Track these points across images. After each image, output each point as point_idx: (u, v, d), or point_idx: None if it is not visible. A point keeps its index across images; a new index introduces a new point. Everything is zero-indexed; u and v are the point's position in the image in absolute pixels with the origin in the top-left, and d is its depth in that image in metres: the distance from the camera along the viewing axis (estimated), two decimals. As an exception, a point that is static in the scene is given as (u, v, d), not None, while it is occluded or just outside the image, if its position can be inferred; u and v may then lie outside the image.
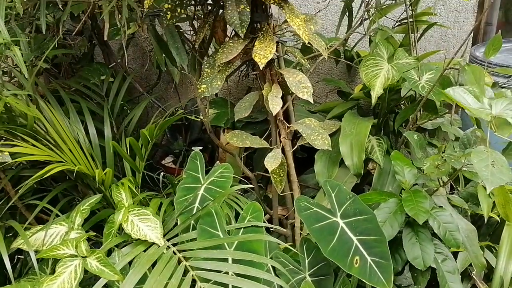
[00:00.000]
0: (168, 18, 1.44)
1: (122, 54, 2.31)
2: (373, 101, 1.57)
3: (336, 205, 1.42)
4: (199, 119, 1.86)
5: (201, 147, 2.40)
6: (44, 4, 1.53)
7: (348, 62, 2.07)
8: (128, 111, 2.12)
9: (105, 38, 1.67)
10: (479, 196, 1.46)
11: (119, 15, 1.62)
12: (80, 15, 2.09)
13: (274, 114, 1.54)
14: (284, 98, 1.64)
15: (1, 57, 1.35)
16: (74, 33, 1.78)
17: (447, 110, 1.75)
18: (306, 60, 1.68)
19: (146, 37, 2.23)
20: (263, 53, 1.42)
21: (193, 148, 2.40)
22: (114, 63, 2.26)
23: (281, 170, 1.69)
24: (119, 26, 1.64)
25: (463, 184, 1.84)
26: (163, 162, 2.35)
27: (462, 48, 1.99)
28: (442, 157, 1.56)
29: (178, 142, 2.35)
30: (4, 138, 1.50)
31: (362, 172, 1.63)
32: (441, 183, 1.59)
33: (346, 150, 1.64)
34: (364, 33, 1.89)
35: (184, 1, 1.42)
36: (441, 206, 1.55)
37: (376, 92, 1.56)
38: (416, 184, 1.53)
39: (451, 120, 1.64)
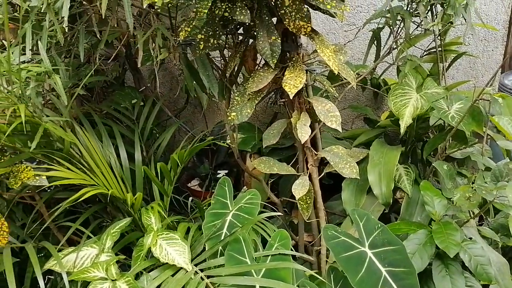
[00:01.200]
0: (201, 48, 1.48)
1: (152, 79, 2.37)
2: (402, 131, 1.57)
3: (364, 234, 1.41)
4: (226, 145, 1.89)
5: (226, 171, 2.44)
6: (83, 34, 1.60)
7: (375, 90, 2.08)
8: (157, 134, 2.17)
9: (139, 65, 1.73)
10: (511, 228, 1.44)
11: (153, 44, 1.68)
12: (113, 42, 2.17)
13: (302, 143, 1.56)
14: (311, 126, 1.65)
15: (41, 85, 1.41)
16: (110, 60, 1.84)
17: (477, 140, 1.74)
18: (334, 88, 1.70)
19: (175, 62, 2.29)
20: (293, 83, 1.45)
21: (218, 171, 2.44)
22: (144, 87, 2.32)
23: (308, 197, 1.69)
24: (152, 54, 1.70)
25: (492, 214, 1.81)
26: (189, 185, 2.38)
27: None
28: (472, 187, 1.55)
29: (204, 166, 2.38)
30: (37, 161, 1.55)
31: (391, 201, 1.62)
32: (472, 215, 1.57)
33: (375, 180, 1.64)
34: (391, 61, 1.91)
35: (217, 32, 1.46)
36: (471, 238, 1.53)
37: (405, 122, 1.57)
38: (446, 214, 1.51)
39: (482, 150, 1.62)
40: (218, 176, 2.37)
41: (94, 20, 1.66)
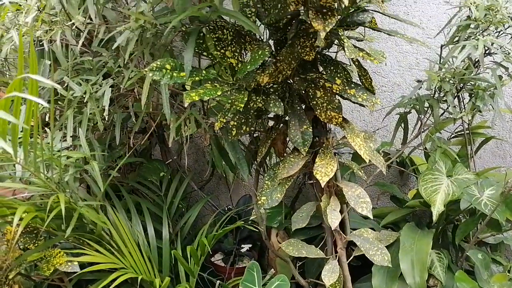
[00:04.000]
0: (233, 134, 1.52)
1: (179, 152, 2.42)
2: (435, 218, 1.56)
3: (399, 329, 1.36)
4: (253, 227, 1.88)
5: (250, 245, 2.41)
6: (119, 118, 1.67)
7: (401, 169, 2.08)
8: (183, 209, 2.18)
9: (169, 145, 1.78)
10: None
11: (185, 126, 1.73)
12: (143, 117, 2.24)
13: (333, 228, 1.55)
14: (340, 209, 1.65)
15: (79, 171, 1.45)
16: (142, 142, 1.89)
17: (510, 225, 1.70)
18: (362, 171, 1.71)
19: (206, 143, 2.35)
20: (324, 171, 1.46)
21: (242, 246, 2.41)
22: (171, 160, 2.36)
23: (337, 282, 1.65)
24: (181, 130, 1.74)
25: (531, 302, 1.73)
26: (212, 259, 2.34)
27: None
28: (509, 277, 1.50)
29: (228, 240, 2.36)
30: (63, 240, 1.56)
31: (425, 292, 1.58)
32: (510, 307, 1.51)
33: (407, 268, 1.60)
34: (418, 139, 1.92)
35: (249, 120, 1.50)
36: (511, 332, 1.46)
37: (437, 209, 1.55)
38: (484, 308, 1.46)
39: (517, 240, 1.59)
40: (242, 250, 2.34)
41: (131, 104, 1.72)
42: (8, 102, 0.99)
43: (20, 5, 1.48)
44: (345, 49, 1.20)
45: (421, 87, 1.66)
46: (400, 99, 1.82)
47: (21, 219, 1.28)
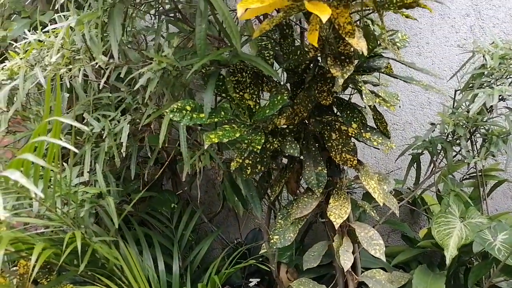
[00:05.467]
0: (248, 173, 1.53)
1: (190, 183, 2.43)
2: (448, 262, 1.55)
3: None
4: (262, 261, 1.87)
5: (258, 279, 2.39)
6: (135, 152, 1.69)
7: (413, 207, 2.08)
8: (193, 241, 2.17)
9: (183, 179, 1.79)
10: None
11: (200, 162, 1.75)
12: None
13: (345, 270, 1.54)
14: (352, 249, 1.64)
15: (94, 207, 1.46)
16: (157, 176, 1.91)
17: (523, 270, 1.68)
18: (374, 212, 1.70)
19: (219, 179, 2.36)
20: (338, 213, 1.46)
21: (250, 280, 2.39)
22: (181, 191, 2.37)
23: (348, 325, 1.64)
24: (195, 166, 1.76)
25: None
26: (220, 293, 2.32)
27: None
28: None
29: (236, 274, 2.34)
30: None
31: (439, 339, 1.56)
32: None
33: (420, 313, 1.59)
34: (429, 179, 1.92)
35: (265, 159, 1.52)
36: None
37: (450, 253, 1.55)
38: None
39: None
40: (250, 285, 2.32)
41: (147, 139, 1.75)
42: (33, 145, 1.01)
43: (43, 42, 1.52)
44: (363, 96, 1.23)
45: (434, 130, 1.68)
46: (412, 138, 1.84)
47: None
